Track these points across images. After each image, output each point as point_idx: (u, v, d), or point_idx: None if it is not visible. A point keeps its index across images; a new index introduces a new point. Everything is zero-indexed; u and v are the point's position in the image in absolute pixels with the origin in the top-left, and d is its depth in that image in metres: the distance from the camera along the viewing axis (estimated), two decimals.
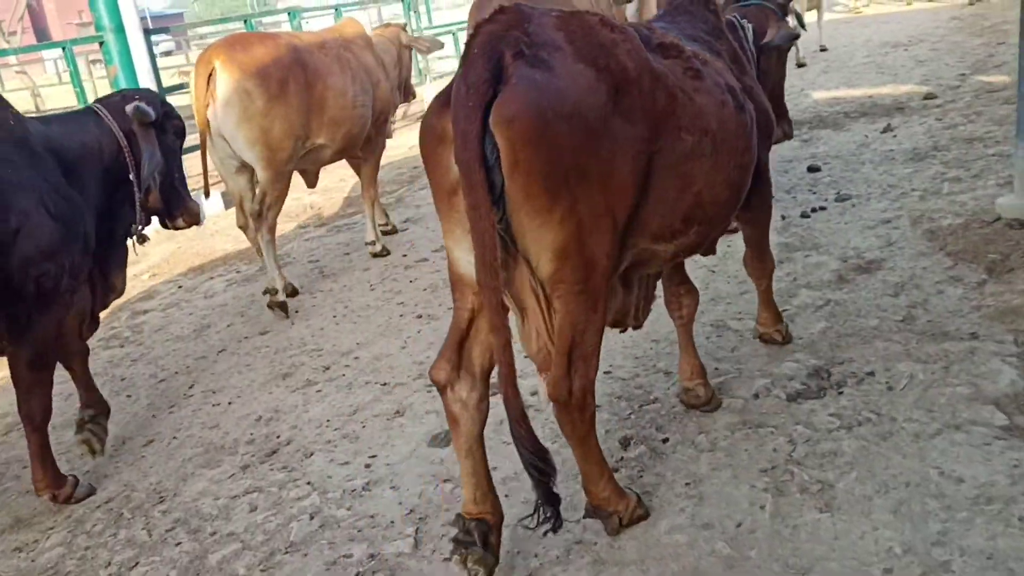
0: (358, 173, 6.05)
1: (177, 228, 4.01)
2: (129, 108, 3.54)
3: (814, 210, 5.31)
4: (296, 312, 5.10)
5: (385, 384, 3.98)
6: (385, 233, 6.27)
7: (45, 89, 16.21)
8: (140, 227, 3.75)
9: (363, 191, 5.97)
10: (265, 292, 5.11)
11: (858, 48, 11.11)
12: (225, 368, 4.47)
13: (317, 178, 5.77)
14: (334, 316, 4.94)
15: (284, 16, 10.23)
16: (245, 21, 9.12)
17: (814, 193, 5.65)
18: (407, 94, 6.47)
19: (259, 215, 5.00)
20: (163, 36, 20.08)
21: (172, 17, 76.45)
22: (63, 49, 7.70)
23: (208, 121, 4.77)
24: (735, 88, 2.77)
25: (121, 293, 3.79)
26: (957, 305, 3.79)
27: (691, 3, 3.13)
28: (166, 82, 8.71)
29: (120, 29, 7.23)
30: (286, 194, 5.12)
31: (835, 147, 6.68)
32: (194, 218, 4.01)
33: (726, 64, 2.90)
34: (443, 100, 2.24)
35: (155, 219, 3.92)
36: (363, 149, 5.72)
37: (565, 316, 2.27)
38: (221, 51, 4.83)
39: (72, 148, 3.35)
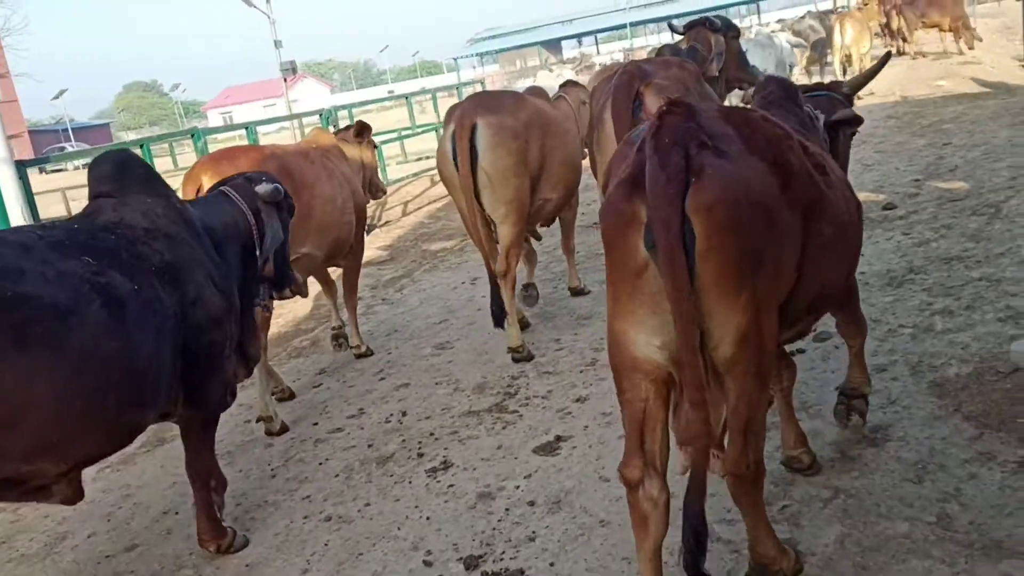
0: None
1: (283, 298, 4.29)
2: (264, 191, 3.87)
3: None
4: (176, 514, 4.10)
5: None
6: (281, 400, 5.25)
7: None
8: (265, 296, 4.06)
9: (346, 298, 5.88)
10: (259, 420, 4.86)
11: None
12: None
13: (306, 287, 5.32)
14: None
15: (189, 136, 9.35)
16: (142, 146, 8.33)
17: None
18: (376, 191, 6.47)
19: None
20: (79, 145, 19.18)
21: (97, 128, 75.91)
22: None
23: None
24: (848, 182, 2.98)
25: (258, 360, 4.06)
26: (999, 497, 3.03)
27: (784, 99, 3.20)
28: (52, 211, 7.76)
29: None
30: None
31: None
32: (300, 289, 4.38)
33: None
34: (630, 186, 2.33)
35: None
36: (345, 257, 5.66)
37: (741, 396, 2.39)
38: (208, 166, 4.80)
39: (219, 228, 3.66)
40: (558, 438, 4.11)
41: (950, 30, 17.11)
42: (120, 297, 2.95)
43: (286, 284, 4.15)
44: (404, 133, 14.44)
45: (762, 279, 2.32)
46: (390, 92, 78.20)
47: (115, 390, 2.91)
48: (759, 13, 65.77)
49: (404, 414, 4.75)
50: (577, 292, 6.37)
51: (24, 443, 2.72)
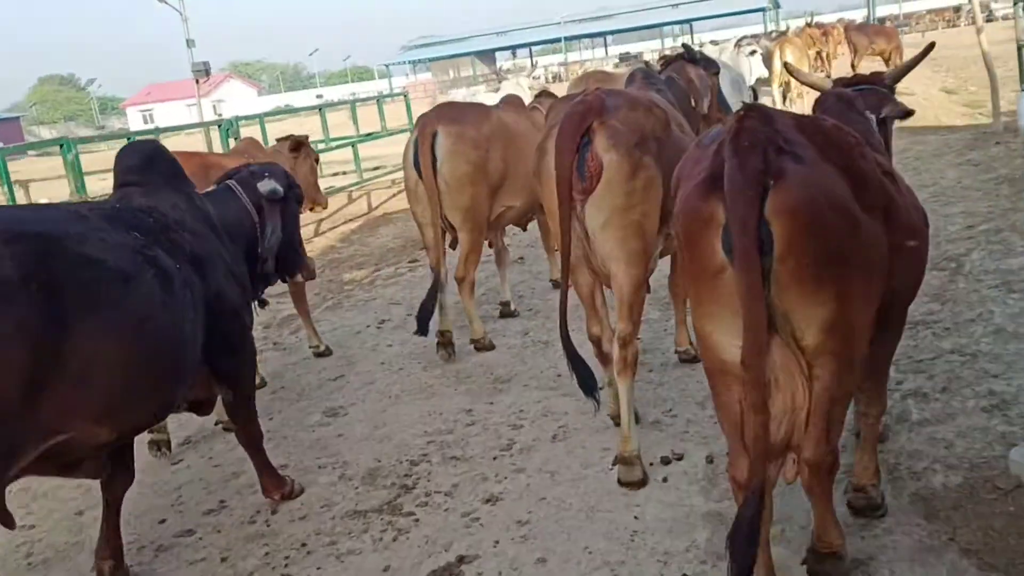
0: None
1: (296, 283, 4.51)
2: (265, 189, 3.96)
3: None
4: None
5: None
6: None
7: None
8: (260, 293, 4.15)
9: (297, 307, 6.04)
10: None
11: None
12: None
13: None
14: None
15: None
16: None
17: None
18: (313, 205, 6.59)
19: None
20: None
21: (7, 122, 72.23)
22: None
23: None
24: (912, 189, 2.95)
25: None
26: None
27: (847, 108, 3.14)
28: None
29: None
30: None
31: None
32: (311, 273, 4.54)
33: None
34: (708, 187, 2.39)
35: None
36: None
37: (828, 384, 2.41)
38: None
39: (229, 223, 3.77)
40: (460, 559, 3.27)
41: (888, 58, 17.05)
42: (167, 272, 3.06)
43: (296, 269, 4.34)
44: (320, 147, 13.40)
45: (848, 275, 2.35)
46: (318, 96, 76.81)
47: (162, 360, 3.01)
48: (692, 34, 66.41)
49: (274, 512, 3.84)
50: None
51: (95, 402, 2.76)
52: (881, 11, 61.18)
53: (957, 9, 56.97)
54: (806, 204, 2.27)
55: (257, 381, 5.40)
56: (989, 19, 50.83)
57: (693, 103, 4.81)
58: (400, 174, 13.80)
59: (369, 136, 13.53)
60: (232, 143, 9.03)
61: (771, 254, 2.25)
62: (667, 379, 4.67)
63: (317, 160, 6.73)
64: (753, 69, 12.18)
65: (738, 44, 11.85)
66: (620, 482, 3.63)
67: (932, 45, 4.02)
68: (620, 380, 3.77)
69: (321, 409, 4.95)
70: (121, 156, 3.55)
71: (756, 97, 10.66)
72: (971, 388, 4.01)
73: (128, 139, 8.65)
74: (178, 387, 3.19)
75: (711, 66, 5.05)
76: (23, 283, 2.52)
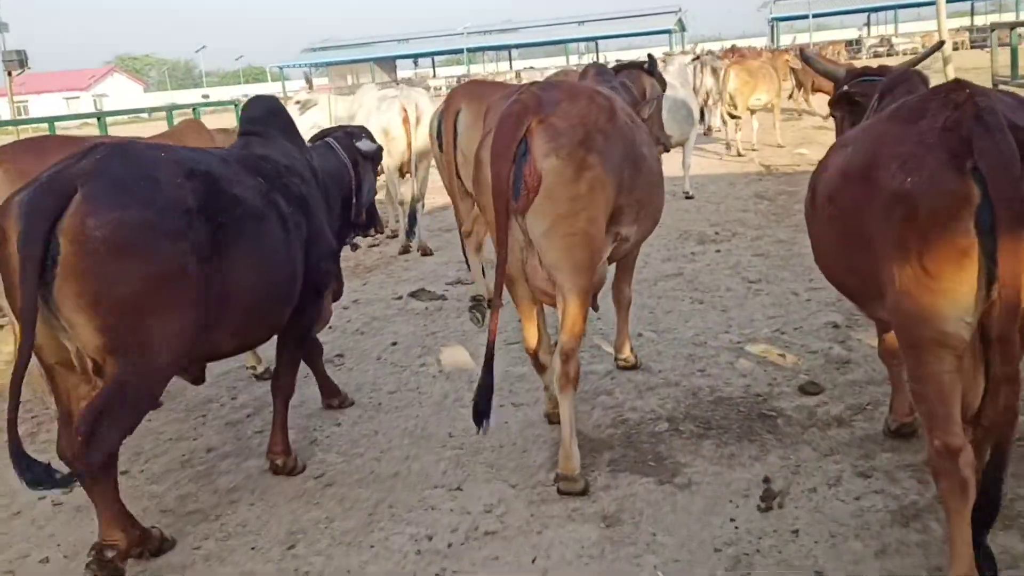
0: None
1: (367, 236, 4.89)
2: (366, 148, 4.38)
3: None
4: None
5: None
6: None
7: None
8: (353, 239, 4.55)
9: None
10: None
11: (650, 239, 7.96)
12: None
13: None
14: None
15: None
16: None
17: None
18: None
19: None
20: None
21: None
22: None
23: None
24: None
25: (339, 297, 4.45)
26: None
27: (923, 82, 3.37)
28: None
29: None
30: None
31: (680, 557, 3.01)
32: (382, 228, 4.73)
33: None
34: (957, 166, 2.37)
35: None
36: None
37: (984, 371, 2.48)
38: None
39: (331, 175, 4.14)
40: None
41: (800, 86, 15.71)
42: (283, 214, 3.47)
43: (372, 225, 4.53)
44: None
45: None
46: (204, 96, 72.49)
47: (279, 289, 3.47)
48: (597, 52, 65.50)
49: None
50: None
51: (232, 318, 3.18)
52: (784, 40, 61.56)
53: (857, 41, 57.64)
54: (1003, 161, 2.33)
55: None
56: (890, 53, 51.53)
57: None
58: None
59: None
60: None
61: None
62: None
63: None
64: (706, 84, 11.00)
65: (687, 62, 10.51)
66: (560, 492, 3.47)
67: (942, 43, 4.82)
68: (562, 397, 3.54)
69: None
70: (247, 108, 4.01)
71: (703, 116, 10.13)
72: None
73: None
74: (284, 314, 3.59)
75: (662, 84, 5.02)
76: (199, 212, 3.01)
